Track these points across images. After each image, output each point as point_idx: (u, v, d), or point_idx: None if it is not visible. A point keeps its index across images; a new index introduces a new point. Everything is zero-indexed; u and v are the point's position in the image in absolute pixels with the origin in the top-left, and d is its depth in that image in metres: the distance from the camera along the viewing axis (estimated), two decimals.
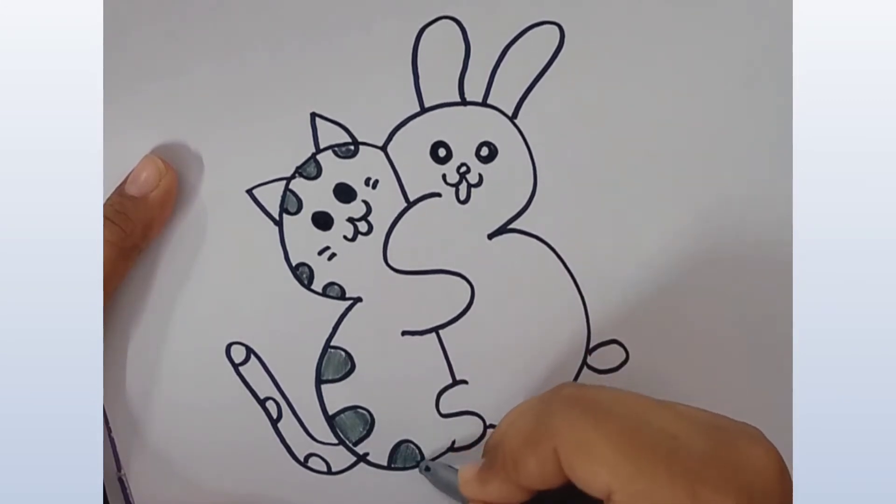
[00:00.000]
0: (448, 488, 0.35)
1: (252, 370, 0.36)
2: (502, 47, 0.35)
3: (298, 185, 0.36)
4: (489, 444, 0.33)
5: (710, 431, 0.28)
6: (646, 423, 0.28)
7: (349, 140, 0.36)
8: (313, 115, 0.36)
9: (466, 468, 0.33)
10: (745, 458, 0.28)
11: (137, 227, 0.35)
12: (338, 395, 0.36)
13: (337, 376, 0.36)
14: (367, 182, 0.36)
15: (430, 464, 0.36)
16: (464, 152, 0.36)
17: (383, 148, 0.36)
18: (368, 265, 0.36)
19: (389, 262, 0.36)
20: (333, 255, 0.36)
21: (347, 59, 0.35)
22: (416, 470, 0.36)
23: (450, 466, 0.35)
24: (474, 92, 0.36)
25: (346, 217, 0.36)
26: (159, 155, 0.35)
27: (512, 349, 0.36)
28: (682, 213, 0.36)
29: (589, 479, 0.28)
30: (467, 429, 0.37)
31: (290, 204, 0.36)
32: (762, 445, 0.28)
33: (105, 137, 0.33)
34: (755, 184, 0.36)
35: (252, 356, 0.36)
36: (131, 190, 0.35)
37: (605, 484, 0.27)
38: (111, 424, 0.36)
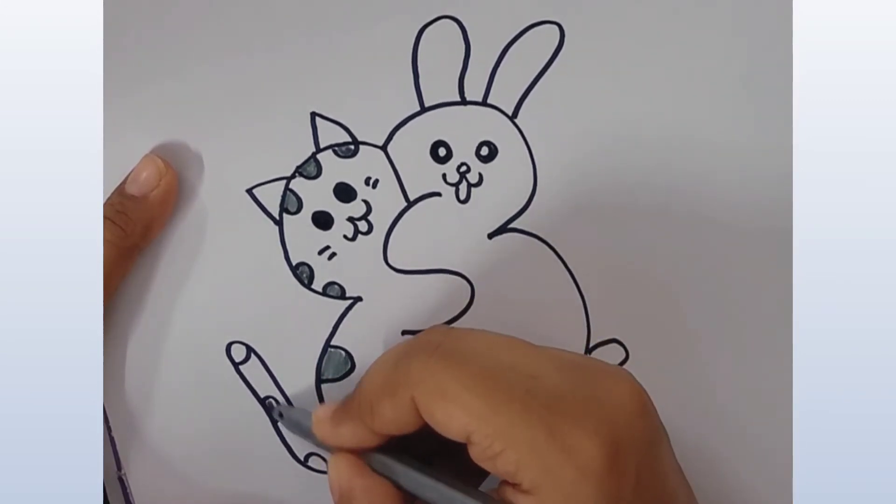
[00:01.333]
0: (303, 431, 0.34)
1: (252, 370, 0.36)
2: (502, 47, 0.35)
3: (298, 184, 0.36)
4: (350, 393, 0.32)
5: (573, 370, 0.29)
6: (505, 364, 0.28)
7: (349, 140, 0.36)
8: (313, 115, 0.36)
9: (321, 408, 0.33)
10: (607, 395, 0.28)
11: (137, 227, 0.35)
12: (338, 395, 0.36)
13: (337, 376, 0.36)
14: (367, 182, 0.36)
15: (283, 408, 0.35)
16: (464, 152, 0.36)
17: (383, 148, 0.36)
18: (368, 265, 0.36)
19: (389, 261, 0.36)
20: (333, 254, 0.36)
21: (347, 59, 0.35)
22: None
23: (305, 410, 0.34)
24: (474, 92, 0.36)
25: (347, 217, 0.36)
26: (159, 155, 0.35)
27: None
28: (683, 213, 0.36)
29: (447, 422, 0.28)
30: None
31: (290, 203, 0.36)
32: (627, 383, 0.29)
33: (105, 137, 0.33)
34: (755, 183, 0.36)
35: (252, 356, 0.36)
36: (131, 189, 0.35)
37: (463, 426, 0.27)
38: (111, 424, 0.36)
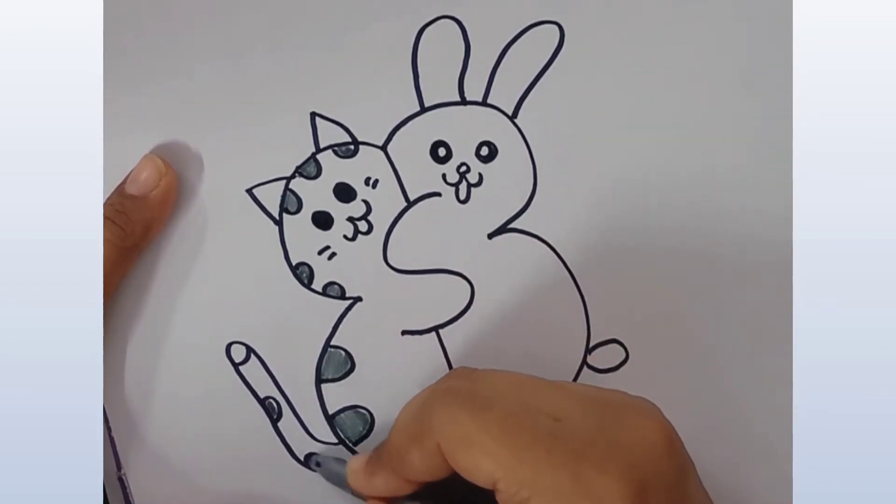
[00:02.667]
0: (339, 481, 0.34)
1: (252, 370, 0.36)
2: (502, 47, 0.35)
3: (298, 184, 0.36)
4: (382, 442, 0.33)
5: (597, 409, 0.28)
6: (527, 407, 0.28)
7: (349, 140, 0.36)
8: (313, 115, 0.36)
9: (354, 459, 0.33)
10: (632, 434, 0.28)
11: (137, 227, 0.35)
12: (338, 395, 0.36)
13: (337, 376, 0.36)
14: (367, 182, 0.36)
15: (321, 458, 0.35)
16: (464, 152, 0.36)
17: (383, 147, 0.36)
18: (368, 265, 0.36)
19: (389, 261, 0.36)
20: (333, 254, 0.36)
21: (347, 59, 0.35)
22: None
23: (340, 459, 0.35)
24: (474, 92, 0.36)
25: (346, 217, 0.36)
26: (159, 155, 0.35)
27: (512, 349, 0.36)
28: (683, 213, 0.36)
29: (473, 470, 0.28)
30: None
31: (290, 203, 0.36)
32: (653, 420, 0.28)
33: (105, 137, 0.33)
34: (755, 183, 0.36)
35: (252, 356, 0.36)
36: (131, 189, 0.35)
37: (489, 474, 0.27)
38: (111, 424, 0.36)
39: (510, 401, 0.29)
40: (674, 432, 0.28)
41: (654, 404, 0.29)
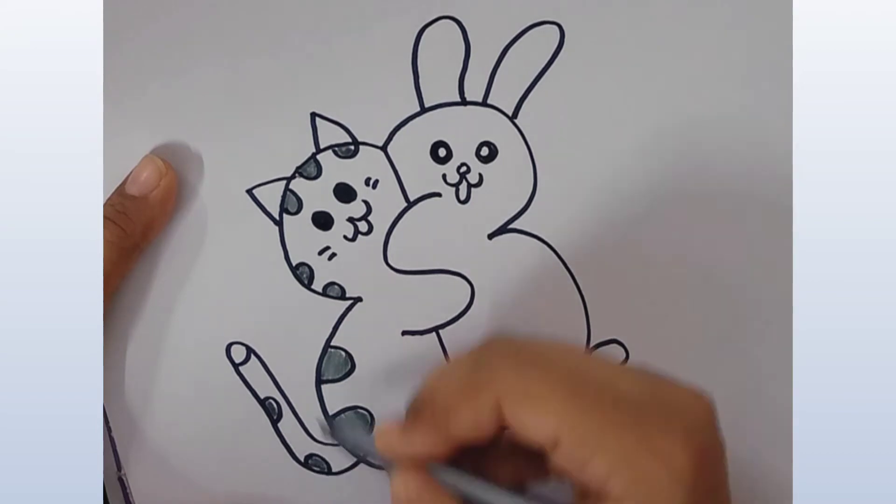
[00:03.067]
0: (358, 444, 0.33)
1: (252, 370, 0.36)
2: (502, 47, 0.35)
3: (298, 185, 0.36)
4: (413, 402, 0.31)
5: (646, 378, 0.29)
6: (587, 371, 0.28)
7: (349, 140, 0.36)
8: (313, 115, 0.36)
9: (384, 423, 0.31)
10: (686, 405, 0.28)
11: (138, 227, 0.35)
12: (338, 395, 0.36)
13: (337, 376, 0.36)
14: (367, 182, 0.36)
15: (335, 423, 0.34)
16: (464, 152, 0.36)
17: (383, 148, 0.36)
18: (368, 265, 0.36)
19: (389, 262, 0.36)
20: (333, 255, 0.36)
21: (347, 59, 0.35)
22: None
23: (356, 421, 0.33)
24: (474, 92, 0.36)
25: (347, 217, 0.36)
26: (159, 155, 0.35)
27: None
28: (683, 212, 0.36)
29: (535, 426, 0.28)
30: None
31: (290, 204, 0.36)
32: (701, 396, 0.29)
33: (105, 137, 0.33)
34: (756, 183, 0.36)
35: (252, 356, 0.36)
36: (131, 190, 0.35)
37: (552, 430, 0.27)
38: (111, 424, 0.36)
39: (570, 363, 0.28)
40: (716, 410, 0.29)
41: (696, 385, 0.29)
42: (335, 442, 0.35)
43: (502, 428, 0.29)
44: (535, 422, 0.27)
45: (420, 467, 0.30)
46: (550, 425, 0.27)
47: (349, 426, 0.33)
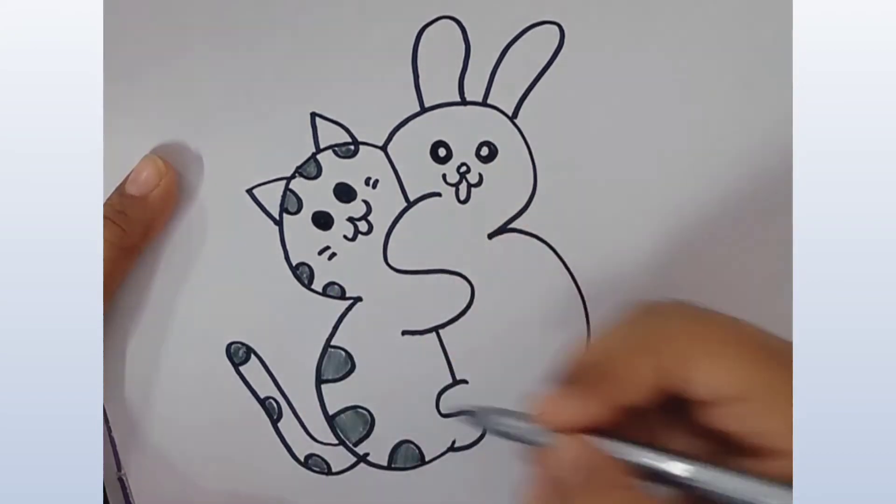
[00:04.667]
0: (505, 427, 0.30)
1: (252, 370, 0.36)
2: (502, 47, 0.35)
3: (298, 184, 0.36)
4: (572, 367, 0.29)
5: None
6: (759, 333, 0.28)
7: (349, 140, 0.36)
8: (313, 115, 0.36)
9: (541, 394, 0.28)
10: None
11: (138, 227, 0.35)
12: (338, 395, 0.36)
13: (337, 376, 0.36)
14: (367, 182, 0.36)
15: (477, 411, 0.31)
16: (464, 152, 0.36)
17: (383, 148, 0.36)
18: (368, 265, 0.36)
19: (389, 261, 0.36)
20: (333, 254, 0.36)
21: (347, 59, 0.35)
22: (414, 464, 0.36)
23: (497, 409, 0.31)
24: (474, 92, 0.36)
25: (347, 217, 0.36)
26: (159, 155, 0.35)
27: (512, 349, 0.36)
28: (682, 212, 0.36)
29: (715, 381, 0.27)
30: (467, 429, 0.36)
31: (290, 204, 0.36)
32: None
33: (105, 137, 0.33)
34: (756, 183, 0.36)
35: (252, 356, 0.36)
36: (131, 190, 0.35)
37: (735, 385, 0.27)
38: (111, 424, 0.36)
39: (741, 325, 0.28)
40: None
41: None
42: (483, 430, 0.32)
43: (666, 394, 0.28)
44: (714, 375, 0.27)
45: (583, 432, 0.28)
46: (732, 380, 0.27)
47: (492, 411, 0.31)
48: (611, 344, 0.29)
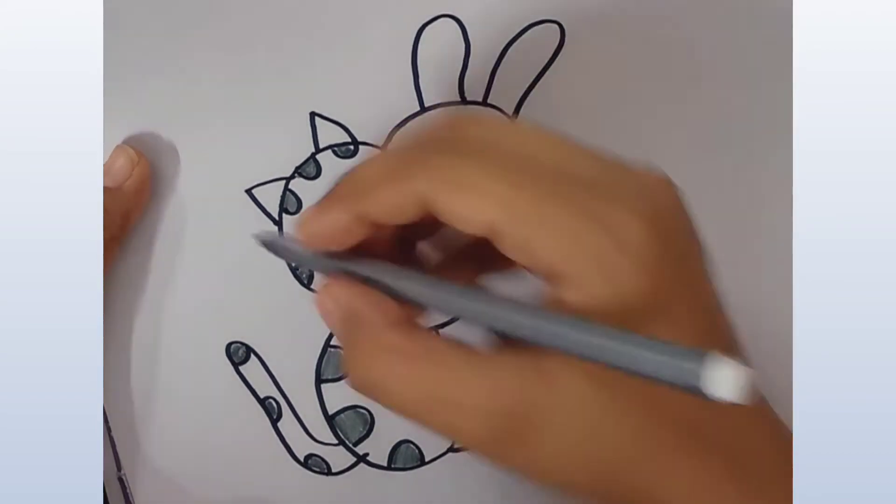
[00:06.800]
0: (289, 253, 0.30)
1: (252, 370, 0.36)
2: (502, 47, 0.35)
3: (298, 184, 0.36)
4: (335, 185, 0.28)
5: (606, 160, 0.26)
6: (536, 153, 0.25)
7: (349, 140, 0.36)
8: (313, 115, 0.36)
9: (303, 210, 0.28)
10: (643, 179, 0.26)
11: (115, 219, 0.34)
12: (338, 395, 0.36)
13: (337, 376, 0.36)
14: None
15: (268, 234, 0.31)
16: None
17: (383, 148, 0.36)
18: None
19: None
20: None
21: (347, 59, 0.35)
22: (415, 464, 0.36)
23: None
24: (474, 92, 0.36)
25: None
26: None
27: None
28: None
29: (468, 214, 0.25)
30: None
31: (290, 204, 0.36)
32: (662, 175, 0.26)
33: (104, 137, 0.33)
34: (756, 183, 0.36)
35: (252, 356, 0.36)
36: (105, 181, 0.35)
37: (489, 216, 0.24)
38: (111, 424, 0.36)
39: (514, 145, 0.26)
40: (682, 194, 0.26)
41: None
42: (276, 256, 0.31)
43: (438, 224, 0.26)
44: (470, 210, 0.25)
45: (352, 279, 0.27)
46: (486, 209, 0.24)
47: (281, 238, 0.30)
48: (370, 166, 0.27)
